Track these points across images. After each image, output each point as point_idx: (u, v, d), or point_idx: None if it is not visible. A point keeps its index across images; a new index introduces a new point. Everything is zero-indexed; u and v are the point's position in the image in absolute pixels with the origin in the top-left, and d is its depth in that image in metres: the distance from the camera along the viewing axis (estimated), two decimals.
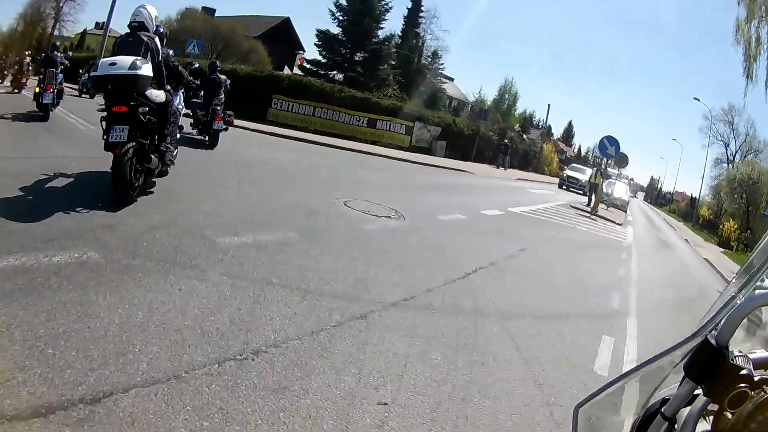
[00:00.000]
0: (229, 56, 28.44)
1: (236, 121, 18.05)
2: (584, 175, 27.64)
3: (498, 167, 29.96)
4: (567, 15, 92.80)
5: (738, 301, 1.00)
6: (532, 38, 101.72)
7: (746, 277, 1.10)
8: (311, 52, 39.09)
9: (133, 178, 5.30)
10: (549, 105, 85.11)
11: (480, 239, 8.04)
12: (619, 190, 24.16)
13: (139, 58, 5.24)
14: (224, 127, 11.31)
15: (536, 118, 58.17)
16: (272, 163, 11.22)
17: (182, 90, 6.93)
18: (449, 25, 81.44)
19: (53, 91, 11.46)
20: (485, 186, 18.36)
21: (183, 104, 7.15)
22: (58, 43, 15.25)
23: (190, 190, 6.71)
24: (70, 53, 17.80)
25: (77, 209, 4.70)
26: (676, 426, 1.09)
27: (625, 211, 22.73)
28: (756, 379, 0.97)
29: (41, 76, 12.04)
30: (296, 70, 33.55)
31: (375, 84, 32.56)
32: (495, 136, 33.70)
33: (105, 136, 5.11)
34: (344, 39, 34.02)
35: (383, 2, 34.71)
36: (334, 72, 34.23)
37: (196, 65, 12.67)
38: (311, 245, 5.29)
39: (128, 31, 5.67)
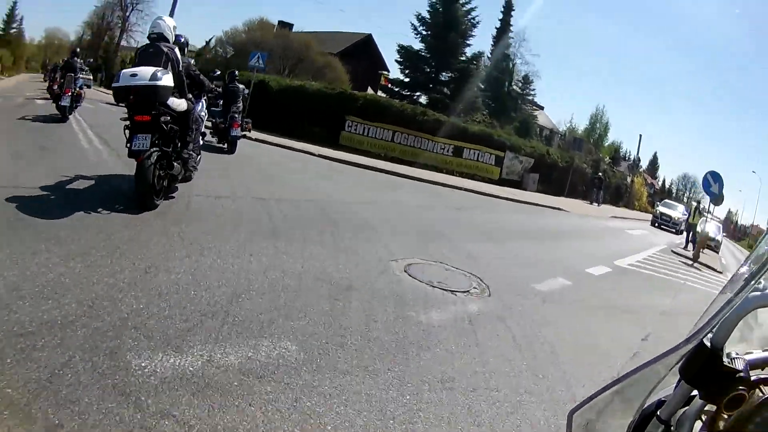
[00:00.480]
0: (303, 72, 25.96)
1: (300, 145, 15.46)
2: (676, 211, 26.55)
3: (591, 203, 27.27)
4: (641, 42, 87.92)
5: (734, 305, 0.97)
6: (617, 66, 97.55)
7: (742, 280, 1.07)
8: (393, 70, 36.28)
9: (156, 183, 5.35)
10: (640, 136, 79.33)
11: (594, 324, 5.28)
12: (711, 229, 20.78)
13: (159, 68, 5.38)
14: (242, 134, 11.93)
15: (623, 149, 54.13)
16: (319, 198, 8.44)
17: (205, 98, 6.85)
18: (536, 50, 77.74)
19: (71, 95, 12.24)
20: (583, 229, 15.48)
21: (206, 111, 7.07)
22: (78, 50, 15.96)
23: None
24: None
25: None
26: (672, 429, 1.08)
27: (718, 252, 21.08)
28: (753, 379, 0.97)
29: (61, 81, 12.68)
30: (380, 93, 30.71)
31: (462, 108, 29.10)
32: (588, 169, 30.21)
33: (128, 144, 5.33)
34: (428, 56, 31.10)
35: (469, 16, 31.40)
36: (418, 93, 31.18)
37: (218, 72, 13.36)
38: (312, 379, 2.69)
39: (147, 42, 5.84)
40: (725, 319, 0.97)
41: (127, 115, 5.48)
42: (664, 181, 69.15)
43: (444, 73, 31.44)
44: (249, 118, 14.69)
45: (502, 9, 36.41)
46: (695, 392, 1.02)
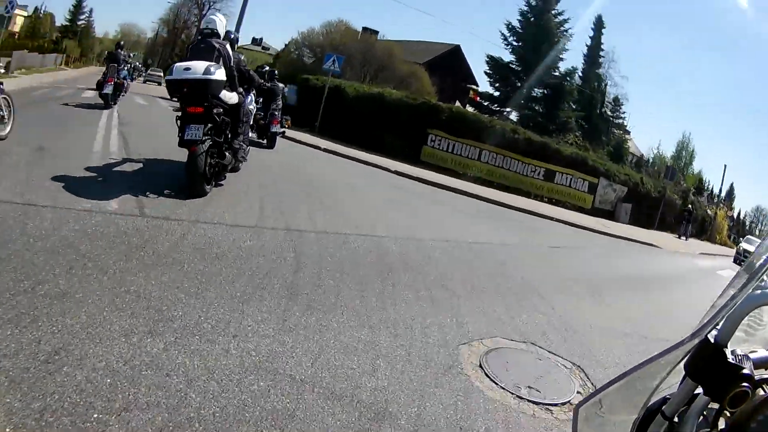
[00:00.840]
0: (385, 81, 24.19)
1: (375, 158, 13.91)
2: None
3: (679, 237, 25.16)
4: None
5: (738, 301, 0.97)
6: (701, 92, 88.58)
7: (746, 277, 1.07)
8: (481, 83, 34.01)
9: (207, 172, 5.51)
10: (725, 166, 72.90)
11: None
12: None
13: (212, 63, 5.63)
14: (282, 130, 12.49)
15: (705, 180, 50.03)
16: (377, 233, 6.28)
17: (254, 92, 7.33)
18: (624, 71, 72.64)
19: (113, 84, 12.96)
20: (676, 272, 12.90)
21: (254, 105, 7.67)
22: (122, 43, 16.08)
23: None
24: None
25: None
26: (676, 425, 1.08)
27: None
28: (756, 378, 0.98)
29: (105, 71, 13.51)
30: (469, 108, 28.53)
31: (555, 127, 26.35)
32: (678, 200, 27.35)
33: (180, 134, 5.47)
34: (518, 69, 28.59)
35: (562, 28, 28.61)
36: (507, 109, 28.68)
37: (266, 68, 13.33)
38: None
39: (200, 38, 6.18)
40: (729, 316, 0.96)
41: (179, 108, 5.69)
42: (739, 213, 62.59)
43: (536, 90, 28.87)
44: (321, 124, 16.26)
45: (593, 26, 33.72)
46: (699, 390, 1.02)
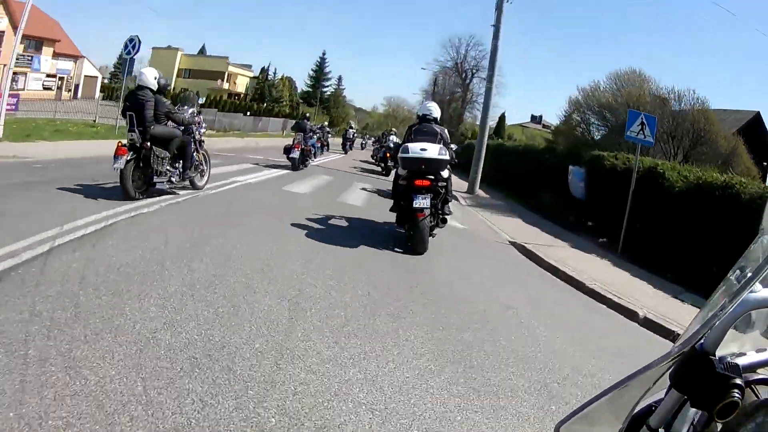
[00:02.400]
0: (701, 159, 15.57)
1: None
2: None
3: None
4: None
5: (728, 309, 0.94)
6: None
7: (736, 285, 1.03)
8: None
9: (430, 234, 7.20)
10: None
11: None
12: None
13: (442, 146, 7.11)
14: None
15: None
16: None
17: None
18: None
19: (300, 150, 15.21)
20: None
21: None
22: (308, 115, 19.71)
23: None
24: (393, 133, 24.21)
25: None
26: None
27: None
28: (746, 381, 0.93)
29: (294, 138, 15.95)
30: None
31: None
32: None
33: (402, 202, 7.08)
34: None
35: None
36: None
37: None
38: None
39: (421, 123, 7.70)
40: (719, 324, 0.93)
41: (405, 178, 7.06)
42: None
43: None
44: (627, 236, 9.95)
45: None
46: (686, 397, 0.99)
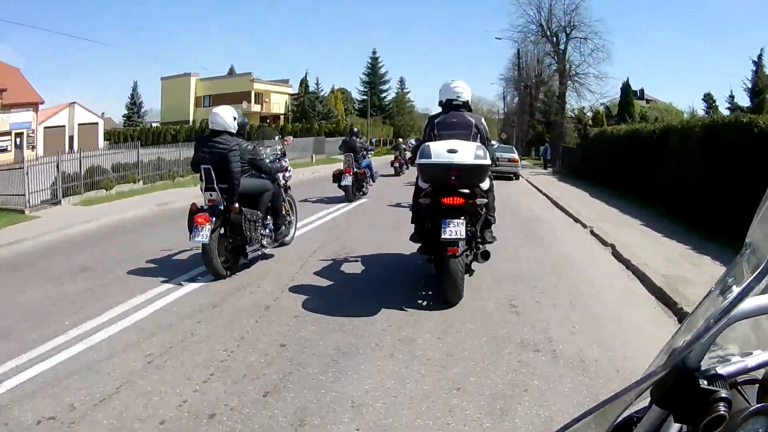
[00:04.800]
0: None
1: None
2: None
3: None
4: None
5: (711, 328, 0.84)
6: None
7: (717, 298, 0.97)
8: None
9: (461, 278, 4.65)
10: None
11: None
12: None
13: (479, 145, 4.77)
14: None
15: None
16: None
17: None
18: None
19: (352, 175, 11.90)
20: None
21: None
22: (356, 129, 14.96)
23: None
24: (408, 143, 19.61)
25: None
26: None
27: None
28: (733, 383, 0.88)
29: (344, 161, 12.60)
30: None
31: None
32: None
33: (427, 225, 4.84)
34: None
35: None
36: None
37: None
38: None
39: (447, 111, 5.29)
40: (704, 342, 0.85)
41: (427, 195, 4.72)
42: None
43: None
44: None
45: None
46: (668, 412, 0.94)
